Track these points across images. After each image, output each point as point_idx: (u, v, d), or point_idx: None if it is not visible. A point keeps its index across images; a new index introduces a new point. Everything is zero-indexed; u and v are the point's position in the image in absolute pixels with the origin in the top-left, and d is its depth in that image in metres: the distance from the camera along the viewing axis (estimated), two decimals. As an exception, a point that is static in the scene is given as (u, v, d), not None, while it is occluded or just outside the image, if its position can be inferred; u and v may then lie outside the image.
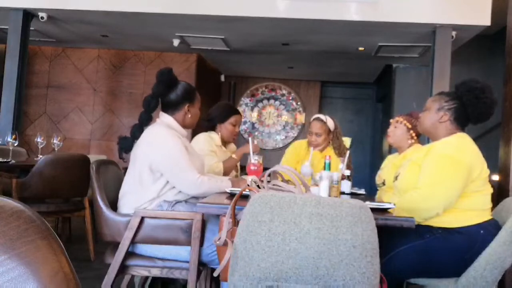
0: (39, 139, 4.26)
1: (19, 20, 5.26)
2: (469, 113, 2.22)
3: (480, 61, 6.60)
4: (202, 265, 2.22)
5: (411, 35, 5.34)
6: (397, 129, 3.09)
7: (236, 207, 1.66)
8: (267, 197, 1.46)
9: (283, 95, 9.00)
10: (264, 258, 1.43)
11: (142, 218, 2.17)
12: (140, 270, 2.23)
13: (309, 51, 6.53)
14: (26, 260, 0.58)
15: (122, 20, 5.50)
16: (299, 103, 8.95)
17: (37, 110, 7.40)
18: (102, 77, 7.36)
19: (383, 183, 3.05)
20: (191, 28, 5.70)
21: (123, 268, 2.21)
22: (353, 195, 2.77)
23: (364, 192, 2.96)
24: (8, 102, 5.30)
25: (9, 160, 3.78)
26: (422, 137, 3.22)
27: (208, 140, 3.14)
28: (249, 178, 2.18)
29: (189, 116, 2.48)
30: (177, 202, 2.32)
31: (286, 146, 7.55)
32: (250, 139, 2.83)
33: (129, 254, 2.21)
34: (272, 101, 9.02)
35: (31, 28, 5.57)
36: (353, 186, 2.89)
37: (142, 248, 2.24)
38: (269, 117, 9.01)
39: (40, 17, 5.34)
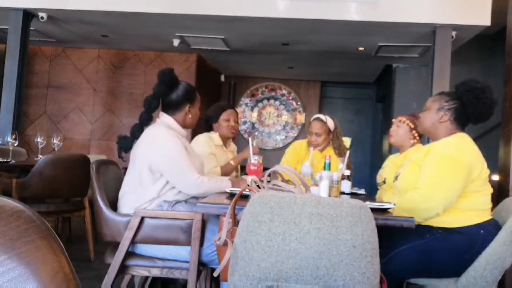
0: (39, 139, 4.26)
1: (19, 20, 5.26)
2: (469, 113, 2.23)
3: (480, 61, 6.60)
4: (202, 265, 2.22)
5: (411, 35, 5.35)
6: (399, 129, 3.09)
7: (236, 207, 1.66)
8: (267, 197, 1.46)
9: (283, 95, 9.00)
10: (264, 258, 1.43)
11: (142, 218, 2.17)
12: (140, 270, 2.23)
13: (309, 51, 6.53)
14: (26, 260, 0.58)
15: (122, 20, 5.50)
16: (299, 103, 8.95)
17: (37, 110, 7.40)
18: (102, 77, 7.36)
19: (384, 182, 3.05)
20: (191, 28, 5.70)
21: (123, 268, 2.21)
22: (353, 195, 2.77)
23: (364, 192, 2.96)
24: (8, 102, 5.30)
25: (9, 160, 3.78)
26: (423, 137, 3.22)
27: (207, 142, 3.15)
28: (249, 178, 2.18)
29: (190, 116, 2.49)
30: (177, 202, 2.33)
31: (286, 146, 7.56)
32: (250, 139, 2.83)
33: (129, 254, 2.21)
34: (272, 101, 9.02)
35: (31, 28, 5.57)
36: (353, 186, 2.89)
37: (142, 248, 2.24)
38: (269, 117, 9.01)
39: (40, 17, 5.34)
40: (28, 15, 5.35)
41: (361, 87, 9.14)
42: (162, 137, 2.33)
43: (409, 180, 2.21)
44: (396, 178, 2.38)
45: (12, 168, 3.82)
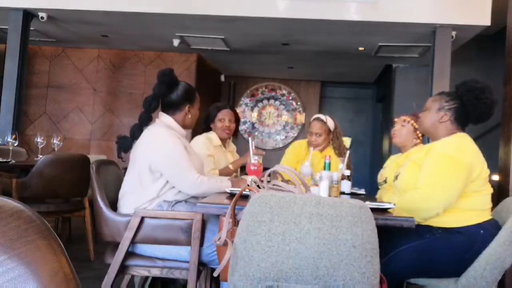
0: (39, 139, 4.26)
1: (19, 20, 5.26)
2: (469, 113, 2.23)
3: (480, 61, 6.60)
4: (202, 265, 2.22)
5: (411, 35, 5.35)
6: (404, 129, 3.06)
7: (236, 207, 1.66)
8: (267, 197, 1.46)
9: (283, 95, 9.00)
10: (264, 258, 1.43)
11: (142, 218, 2.17)
12: (140, 270, 2.23)
13: (309, 51, 6.53)
14: (26, 260, 0.58)
15: (122, 20, 5.50)
16: (299, 103, 8.95)
17: (37, 110, 7.40)
18: (102, 77, 7.36)
19: (385, 181, 3.04)
20: (191, 28, 5.70)
21: (123, 268, 2.21)
22: (353, 195, 2.77)
23: (364, 192, 2.95)
24: (8, 102, 5.30)
25: (9, 160, 3.78)
26: (423, 137, 3.22)
27: (206, 144, 3.14)
28: (249, 178, 2.18)
29: (189, 116, 2.49)
30: (177, 202, 2.33)
31: (286, 146, 7.56)
32: (250, 139, 2.83)
33: (129, 254, 2.21)
34: (272, 101, 9.02)
35: (31, 28, 5.57)
36: (353, 186, 2.89)
37: (142, 248, 2.24)
38: (269, 117, 9.01)
39: (40, 17, 5.34)
40: (28, 15, 5.35)
41: (361, 87, 9.14)
42: (162, 137, 2.33)
43: (409, 180, 2.21)
44: (396, 177, 2.38)
45: (12, 168, 3.82)
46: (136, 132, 2.42)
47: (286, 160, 3.58)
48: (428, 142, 2.84)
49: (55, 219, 4.26)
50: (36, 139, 4.29)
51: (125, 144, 2.41)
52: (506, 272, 2.07)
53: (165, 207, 2.29)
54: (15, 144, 4.03)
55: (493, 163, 2.99)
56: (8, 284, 0.57)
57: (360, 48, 6.22)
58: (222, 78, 8.85)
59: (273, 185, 1.78)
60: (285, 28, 5.42)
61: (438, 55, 4.92)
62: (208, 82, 7.91)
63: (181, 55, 7.16)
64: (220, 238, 1.63)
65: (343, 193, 2.72)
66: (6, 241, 0.58)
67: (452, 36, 4.94)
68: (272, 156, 7.65)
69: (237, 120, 3.38)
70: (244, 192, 1.74)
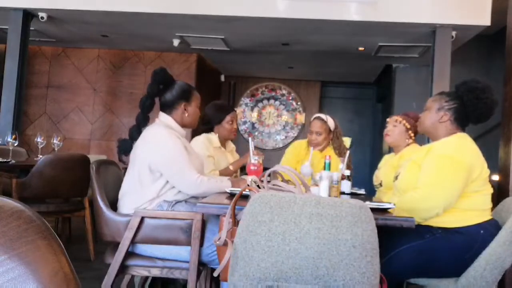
0: (39, 139, 4.26)
1: (19, 20, 5.26)
2: (470, 113, 2.22)
3: (480, 61, 6.60)
4: (202, 265, 2.22)
5: (411, 35, 5.35)
6: (396, 128, 3.08)
7: (236, 207, 1.66)
8: (267, 197, 1.46)
9: (283, 95, 9.00)
10: (264, 258, 1.43)
11: (142, 218, 2.17)
12: (140, 270, 2.23)
13: (309, 51, 6.53)
14: (26, 260, 0.58)
15: (122, 20, 5.50)
16: (299, 103, 8.95)
17: (37, 110, 7.40)
18: (102, 77, 7.36)
19: (380, 185, 3.05)
20: (191, 28, 5.70)
21: (123, 268, 2.21)
22: (353, 195, 2.77)
23: (364, 192, 2.95)
24: (8, 102, 5.30)
25: (9, 160, 3.78)
26: (422, 137, 3.22)
27: (205, 144, 3.12)
28: (249, 178, 2.18)
29: (187, 115, 2.47)
30: (177, 202, 2.33)
31: (286, 146, 7.55)
32: (250, 139, 2.83)
33: (129, 254, 2.21)
34: (272, 101, 9.02)
35: (31, 28, 5.57)
36: (353, 186, 2.89)
37: (142, 248, 2.24)
38: (269, 117, 9.01)
39: (40, 17, 5.34)
40: (28, 15, 5.35)
41: (361, 87, 9.14)
42: (162, 137, 2.33)
43: (409, 180, 2.21)
44: (396, 178, 2.38)
45: (12, 168, 3.82)
46: (135, 133, 2.42)
47: (286, 160, 3.58)
48: (428, 142, 2.84)
49: (55, 219, 4.26)
50: (36, 139, 4.29)
51: (126, 147, 2.41)
52: (506, 272, 2.07)
53: (165, 207, 2.29)
54: (15, 144, 4.03)
55: (493, 163, 2.98)
56: (8, 284, 0.57)
57: (360, 48, 6.22)
58: (222, 78, 8.85)
59: (273, 185, 1.78)
60: (285, 28, 5.42)
61: (438, 55, 4.92)
62: (208, 82, 7.91)
63: (181, 55, 7.16)
64: (220, 238, 1.63)
65: (343, 193, 2.72)
66: (6, 241, 0.58)
67: (452, 36, 4.94)
68: (272, 156, 7.65)
69: None
70: (244, 192, 1.74)
